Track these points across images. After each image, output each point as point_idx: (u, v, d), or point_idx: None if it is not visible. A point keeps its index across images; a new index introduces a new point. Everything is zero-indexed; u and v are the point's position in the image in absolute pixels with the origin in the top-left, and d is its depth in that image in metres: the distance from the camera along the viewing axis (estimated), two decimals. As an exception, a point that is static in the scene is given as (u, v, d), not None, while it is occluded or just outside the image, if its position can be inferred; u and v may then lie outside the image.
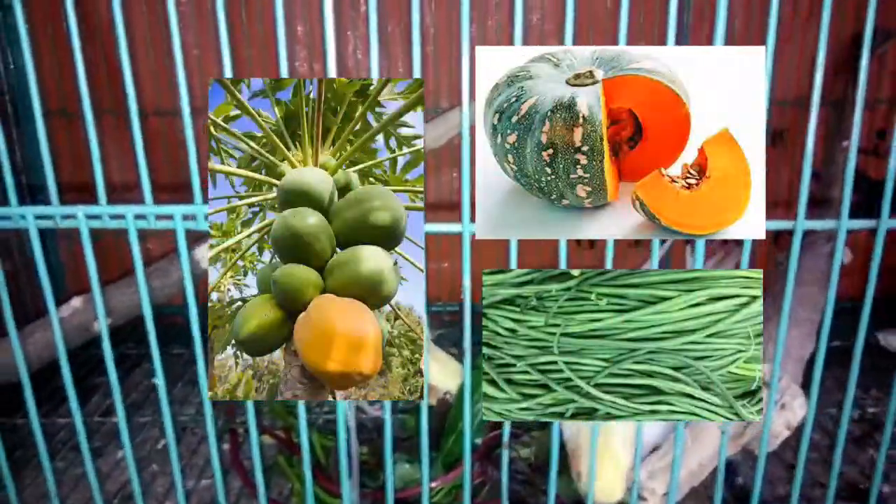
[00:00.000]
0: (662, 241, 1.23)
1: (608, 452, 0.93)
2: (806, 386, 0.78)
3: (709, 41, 0.66)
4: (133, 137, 0.69)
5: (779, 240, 1.56)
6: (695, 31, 1.52)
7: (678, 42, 0.66)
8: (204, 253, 1.08)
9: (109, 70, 1.51)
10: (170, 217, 0.71)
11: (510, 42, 0.64)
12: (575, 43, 0.67)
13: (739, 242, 0.71)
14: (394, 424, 1.18)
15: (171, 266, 1.16)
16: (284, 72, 0.67)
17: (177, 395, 1.42)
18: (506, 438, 0.77)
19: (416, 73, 0.68)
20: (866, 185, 1.58)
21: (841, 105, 1.51)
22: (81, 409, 0.77)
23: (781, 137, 1.63)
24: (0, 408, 1.28)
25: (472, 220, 0.69)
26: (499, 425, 1.00)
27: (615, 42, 0.68)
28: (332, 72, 0.66)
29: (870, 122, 1.64)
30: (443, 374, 1.19)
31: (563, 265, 0.70)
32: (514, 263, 0.70)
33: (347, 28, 1.59)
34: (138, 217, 0.70)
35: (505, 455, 0.78)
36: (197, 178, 0.69)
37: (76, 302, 1.09)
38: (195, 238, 1.10)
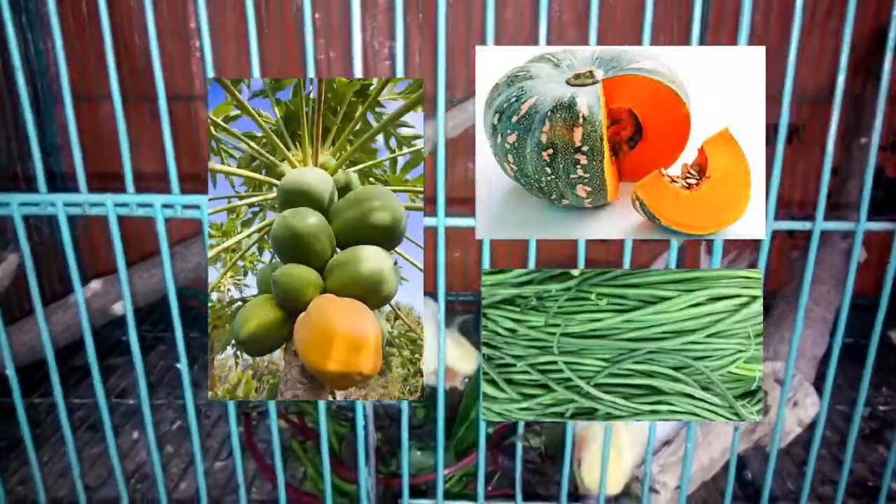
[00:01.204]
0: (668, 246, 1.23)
1: (613, 445, 0.93)
2: (818, 384, 0.78)
3: (730, 40, 0.66)
4: (162, 127, 0.70)
5: (792, 236, 1.54)
6: (714, 31, 1.51)
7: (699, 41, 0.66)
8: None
9: (126, 55, 1.51)
10: (196, 207, 0.72)
11: (526, 33, 0.64)
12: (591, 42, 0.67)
13: (753, 242, 0.71)
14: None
15: (188, 251, 1.16)
16: (311, 65, 0.67)
17: (193, 377, 1.41)
18: (520, 430, 0.77)
19: (442, 65, 0.67)
20: (884, 182, 1.57)
21: (859, 101, 1.49)
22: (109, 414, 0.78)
23: (798, 134, 1.61)
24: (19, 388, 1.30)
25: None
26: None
27: (635, 41, 0.68)
28: (358, 64, 0.66)
29: (889, 119, 1.59)
30: (464, 359, 1.20)
31: (580, 259, 0.70)
32: (532, 262, 0.70)
33: (363, 18, 1.59)
34: (166, 206, 0.71)
35: (519, 447, 0.78)
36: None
37: (95, 285, 1.09)
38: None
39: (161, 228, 0.72)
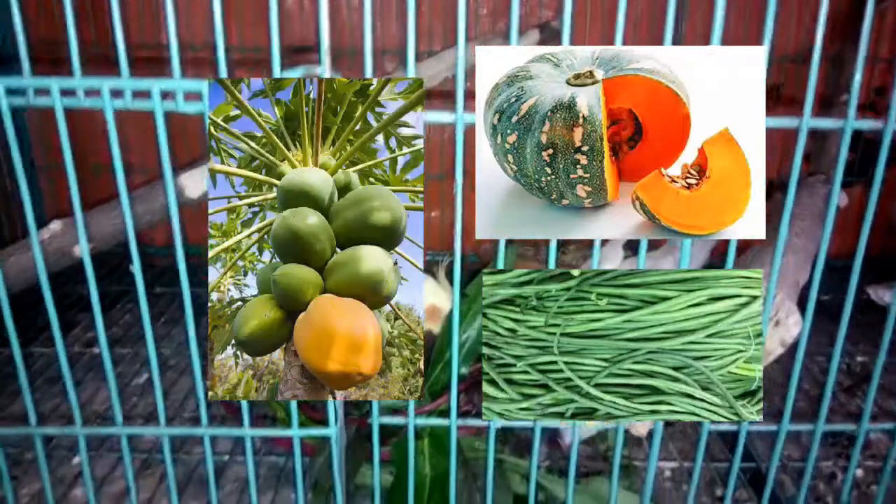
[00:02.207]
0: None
1: None
2: (801, 309, 0.76)
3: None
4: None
5: (772, 195, 1.52)
6: (692, 5, 1.50)
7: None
8: (188, 180, 1.04)
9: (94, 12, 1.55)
10: (147, 94, 0.65)
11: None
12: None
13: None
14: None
15: (154, 191, 1.12)
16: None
17: (159, 332, 1.43)
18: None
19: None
20: (862, 144, 1.56)
21: (839, 60, 1.49)
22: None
23: (778, 92, 1.60)
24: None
25: (467, 109, 0.64)
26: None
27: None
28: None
29: (868, 79, 1.58)
30: (445, 296, 1.19)
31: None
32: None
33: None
34: (114, 95, 0.65)
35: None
36: (176, 53, 0.63)
37: (55, 225, 1.04)
38: (180, 165, 1.06)
39: (110, 118, 0.65)
